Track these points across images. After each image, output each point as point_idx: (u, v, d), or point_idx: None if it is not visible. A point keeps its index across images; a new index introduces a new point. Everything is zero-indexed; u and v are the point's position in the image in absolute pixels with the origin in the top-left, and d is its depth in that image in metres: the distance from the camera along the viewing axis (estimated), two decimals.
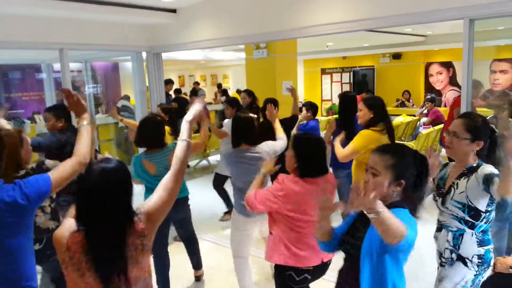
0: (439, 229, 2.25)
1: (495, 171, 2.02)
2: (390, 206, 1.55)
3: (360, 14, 3.34)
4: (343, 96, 4.12)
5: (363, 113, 3.07)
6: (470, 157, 2.13)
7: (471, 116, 2.19)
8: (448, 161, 2.35)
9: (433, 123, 7.68)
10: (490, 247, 2.14)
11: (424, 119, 8.14)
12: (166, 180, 1.72)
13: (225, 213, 5.17)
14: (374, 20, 3.31)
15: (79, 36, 4.48)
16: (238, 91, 11.03)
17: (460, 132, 2.10)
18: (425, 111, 8.36)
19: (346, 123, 3.64)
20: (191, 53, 9.85)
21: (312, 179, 2.30)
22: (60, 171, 1.91)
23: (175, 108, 4.75)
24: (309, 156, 2.32)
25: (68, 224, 1.57)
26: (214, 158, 7.93)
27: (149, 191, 3.10)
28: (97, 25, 4.56)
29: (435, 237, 2.29)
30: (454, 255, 2.14)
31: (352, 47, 11.23)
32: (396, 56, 12.08)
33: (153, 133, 3.17)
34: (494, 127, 2.95)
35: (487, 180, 2.01)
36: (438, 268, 2.27)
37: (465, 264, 2.12)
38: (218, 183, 5.01)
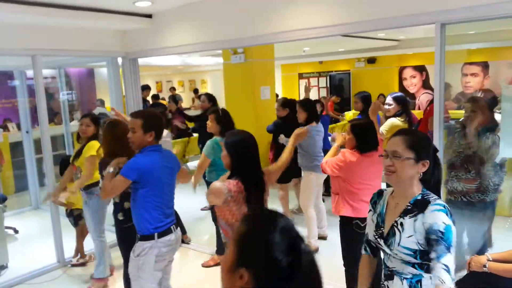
0: (389, 277, 1.86)
1: (440, 224, 1.66)
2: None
3: (335, 19, 3.39)
4: (367, 97, 4.93)
5: (393, 107, 4.16)
6: (414, 184, 1.79)
7: (411, 131, 1.92)
8: (381, 189, 2.02)
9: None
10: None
11: None
12: None
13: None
14: (349, 25, 3.36)
15: (52, 41, 4.38)
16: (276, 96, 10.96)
17: (401, 151, 1.75)
18: None
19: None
20: (168, 58, 9.77)
21: (368, 153, 3.03)
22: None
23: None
24: (364, 137, 3.04)
25: (218, 184, 2.32)
26: (194, 164, 7.87)
27: (216, 169, 3.88)
28: (71, 31, 4.48)
29: (385, 287, 1.90)
30: None
31: (328, 51, 11.38)
32: (371, 61, 12.30)
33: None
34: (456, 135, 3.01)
35: (429, 240, 1.68)
36: None
37: None
38: None
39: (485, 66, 10.03)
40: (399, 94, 4.37)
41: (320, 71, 13.76)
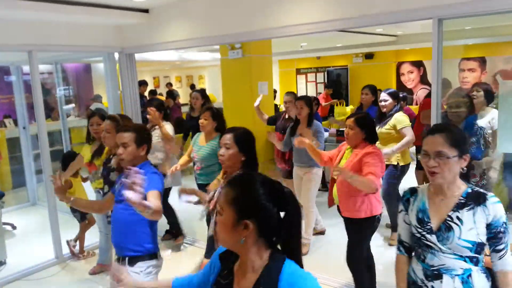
0: (435, 277, 1.81)
1: (503, 216, 1.72)
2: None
3: (333, 14, 3.39)
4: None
5: (389, 103, 4.24)
6: (458, 179, 1.81)
7: (447, 128, 1.82)
8: (413, 187, 1.99)
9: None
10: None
11: None
12: None
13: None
14: (346, 20, 3.35)
15: (49, 37, 4.36)
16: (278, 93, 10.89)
17: (446, 151, 1.73)
18: None
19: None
20: (166, 53, 9.75)
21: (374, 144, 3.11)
22: None
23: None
24: (372, 128, 3.11)
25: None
26: None
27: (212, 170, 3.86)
28: (67, 26, 4.45)
29: None
30: None
31: (326, 47, 11.36)
32: (369, 56, 12.29)
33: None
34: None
35: (495, 233, 1.73)
36: None
37: None
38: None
39: (482, 61, 10.04)
40: (393, 89, 4.43)
41: (317, 67, 13.75)
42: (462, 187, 1.81)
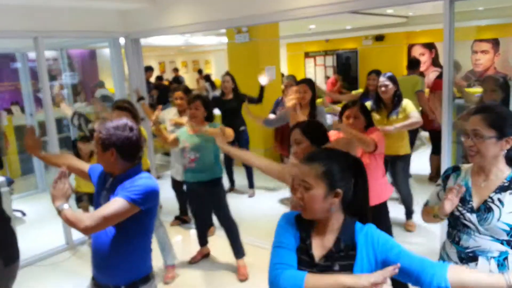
0: (470, 259, 1.79)
1: None
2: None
3: None
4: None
5: (390, 87, 4.06)
6: (500, 162, 1.77)
7: (490, 108, 1.79)
8: (456, 164, 1.97)
9: None
10: None
11: None
12: None
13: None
14: (356, 2, 3.25)
15: (54, 23, 4.31)
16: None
17: (482, 131, 1.71)
18: None
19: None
20: (171, 38, 9.66)
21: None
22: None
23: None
24: (370, 116, 3.10)
25: None
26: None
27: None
28: (72, 11, 4.40)
29: None
30: None
31: (335, 29, 11.17)
32: (379, 38, 12.06)
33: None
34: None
35: None
36: None
37: None
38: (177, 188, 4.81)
39: (495, 43, 9.81)
40: (391, 74, 4.23)
41: (326, 50, 13.55)
42: (506, 171, 1.77)
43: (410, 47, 11.87)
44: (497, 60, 9.86)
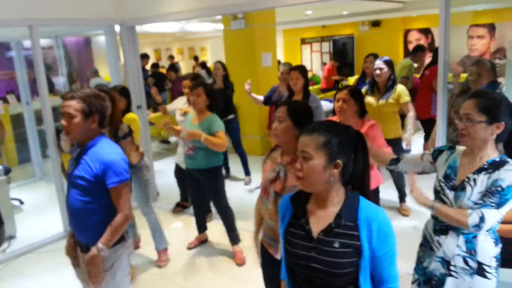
0: (442, 232, 1.92)
1: (506, 181, 1.72)
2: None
3: None
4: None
5: (385, 71, 4.06)
6: (489, 146, 1.83)
7: (484, 94, 1.85)
8: (450, 144, 2.05)
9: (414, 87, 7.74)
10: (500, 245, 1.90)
11: None
12: None
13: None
14: None
15: (49, 10, 4.27)
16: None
17: (473, 114, 1.78)
18: None
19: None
20: (167, 25, 9.58)
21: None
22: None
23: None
24: (363, 101, 3.02)
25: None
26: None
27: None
28: None
29: (435, 242, 1.95)
30: (472, 263, 1.84)
31: (331, 15, 11.10)
32: (375, 24, 12.01)
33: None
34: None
35: (487, 191, 1.76)
36: (444, 279, 1.91)
37: (484, 271, 1.83)
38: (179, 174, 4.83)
39: (491, 28, 9.78)
40: (388, 58, 4.24)
41: (323, 36, 13.48)
42: (491, 155, 1.83)
43: (406, 33, 11.84)
44: (492, 45, 9.85)
